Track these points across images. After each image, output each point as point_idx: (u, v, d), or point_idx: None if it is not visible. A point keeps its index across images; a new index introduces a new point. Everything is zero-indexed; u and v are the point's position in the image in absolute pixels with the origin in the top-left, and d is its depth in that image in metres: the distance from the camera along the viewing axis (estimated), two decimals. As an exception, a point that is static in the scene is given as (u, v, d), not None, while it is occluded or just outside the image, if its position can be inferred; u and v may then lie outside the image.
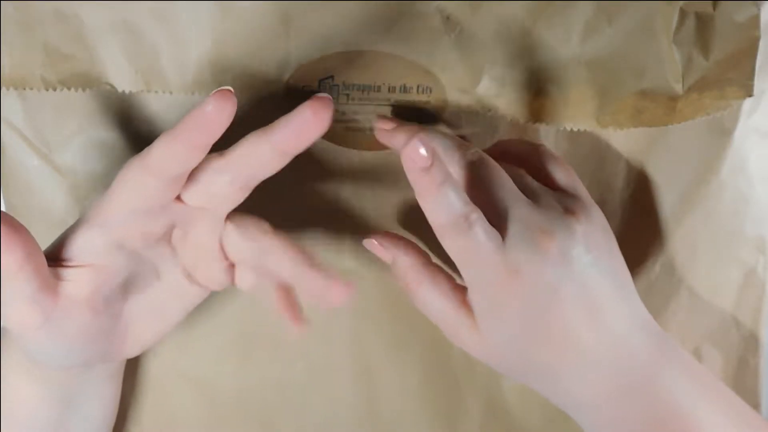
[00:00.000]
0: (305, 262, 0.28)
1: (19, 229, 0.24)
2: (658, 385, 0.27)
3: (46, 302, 0.26)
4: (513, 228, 0.27)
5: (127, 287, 0.28)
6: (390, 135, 0.31)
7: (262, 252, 0.29)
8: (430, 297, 0.29)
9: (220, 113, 0.24)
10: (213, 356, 0.35)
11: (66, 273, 0.26)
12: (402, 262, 0.30)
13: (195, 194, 0.27)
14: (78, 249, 0.27)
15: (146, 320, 0.29)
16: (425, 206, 0.27)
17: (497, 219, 0.27)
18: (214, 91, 0.24)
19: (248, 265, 0.30)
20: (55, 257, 0.27)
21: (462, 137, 0.33)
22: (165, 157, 0.25)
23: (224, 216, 0.29)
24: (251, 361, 0.35)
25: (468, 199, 0.27)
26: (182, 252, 0.29)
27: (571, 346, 0.27)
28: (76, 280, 0.26)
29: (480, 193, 0.28)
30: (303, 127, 0.26)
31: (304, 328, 0.29)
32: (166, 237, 0.29)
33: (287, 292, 0.30)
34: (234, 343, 0.35)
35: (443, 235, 0.27)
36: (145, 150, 0.25)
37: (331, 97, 0.26)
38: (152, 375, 0.35)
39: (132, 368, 0.35)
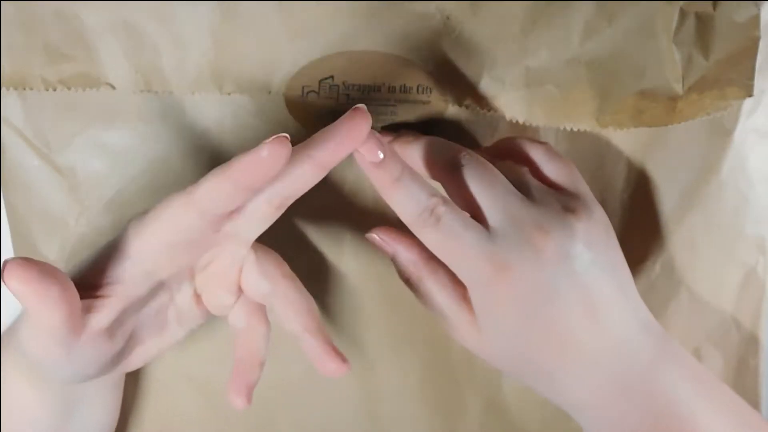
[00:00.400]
0: (309, 323, 0.29)
1: (67, 288, 0.24)
2: (657, 384, 0.27)
3: (73, 339, 0.26)
4: (502, 224, 0.27)
5: (141, 309, 0.28)
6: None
7: (273, 294, 0.29)
8: (431, 292, 0.29)
9: (275, 160, 0.24)
10: (214, 357, 0.35)
11: (96, 304, 0.26)
12: (403, 256, 0.30)
13: (231, 217, 0.27)
14: (109, 279, 0.27)
15: (152, 338, 0.29)
16: (390, 203, 0.27)
17: (488, 217, 0.27)
18: (271, 138, 0.24)
19: (255, 300, 0.30)
20: (84, 286, 0.26)
21: (461, 137, 0.33)
22: (212, 195, 0.25)
23: (252, 240, 0.29)
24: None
25: (435, 192, 0.27)
26: (199, 276, 0.29)
27: (569, 346, 0.27)
28: (103, 312, 0.26)
29: (471, 192, 0.28)
30: (344, 141, 0.25)
31: (245, 403, 0.29)
32: (191, 264, 0.29)
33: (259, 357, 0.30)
34: (234, 343, 0.35)
35: (416, 232, 0.27)
36: (191, 186, 0.25)
37: (365, 108, 0.25)
38: (153, 376, 0.35)
39: (133, 370, 0.35)
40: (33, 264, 0.23)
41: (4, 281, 0.23)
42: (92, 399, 0.31)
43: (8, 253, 0.35)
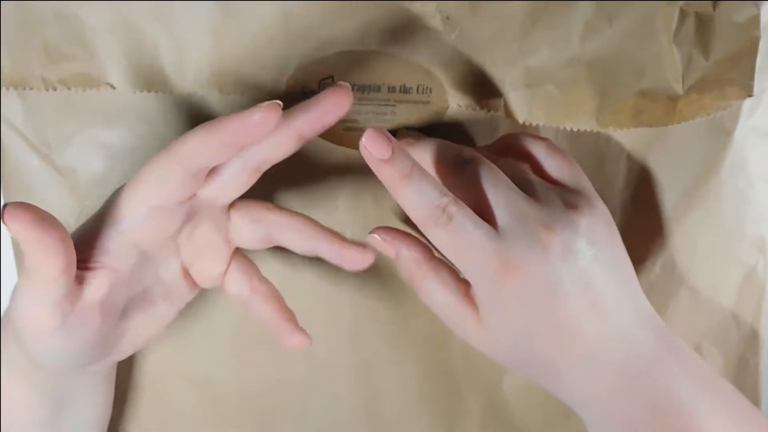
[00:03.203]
0: (318, 231, 0.29)
1: (65, 237, 0.24)
2: (660, 380, 0.27)
3: (67, 306, 0.26)
4: (509, 222, 0.27)
5: (129, 287, 0.28)
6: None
7: (273, 231, 0.29)
8: (434, 290, 0.29)
9: (263, 124, 0.24)
10: (213, 356, 0.35)
11: (87, 276, 0.26)
12: (405, 256, 0.30)
13: (208, 182, 0.28)
14: (99, 251, 0.27)
15: (141, 320, 0.29)
16: (399, 201, 0.27)
17: (494, 216, 0.27)
18: (265, 103, 0.24)
19: (256, 247, 0.30)
20: (78, 258, 0.26)
21: (461, 137, 0.33)
22: (198, 148, 0.25)
23: (228, 204, 0.29)
24: (251, 361, 0.35)
25: (445, 191, 0.27)
26: (185, 248, 0.29)
27: (573, 341, 0.27)
28: (95, 284, 0.26)
29: (475, 191, 0.28)
30: (322, 113, 0.26)
31: (306, 337, 0.30)
32: (174, 235, 0.29)
33: (281, 303, 0.30)
34: (234, 343, 0.35)
35: (424, 230, 0.27)
36: (174, 142, 0.26)
37: (349, 85, 0.26)
38: (152, 375, 0.35)
39: (132, 368, 0.35)
40: (33, 207, 0.23)
41: (4, 222, 0.23)
42: (84, 392, 0.31)
43: (8, 252, 0.35)
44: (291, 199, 0.33)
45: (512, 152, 0.31)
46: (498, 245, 0.27)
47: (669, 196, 0.34)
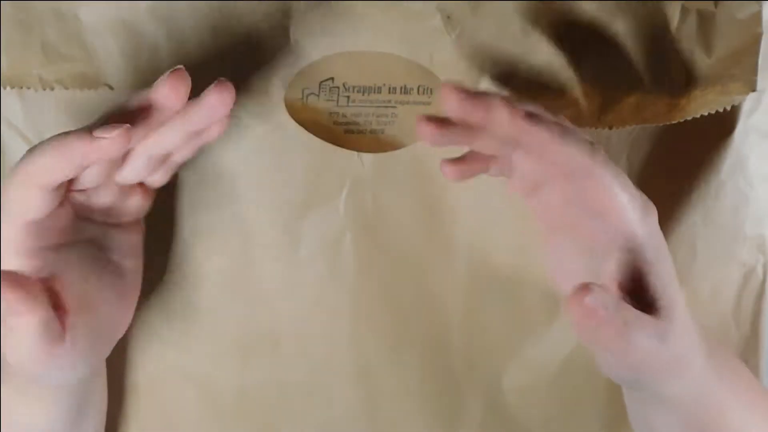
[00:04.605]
0: (179, 115, 0.27)
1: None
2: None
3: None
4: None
5: (98, 292, 0.28)
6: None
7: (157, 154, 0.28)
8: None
9: (110, 146, 0.24)
10: (213, 356, 0.35)
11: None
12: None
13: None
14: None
15: (116, 310, 0.30)
16: (563, 151, 0.26)
17: None
18: (109, 126, 0.24)
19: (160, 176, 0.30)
20: None
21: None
22: (47, 168, 0.24)
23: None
24: (251, 361, 0.35)
25: None
26: (111, 233, 0.29)
27: None
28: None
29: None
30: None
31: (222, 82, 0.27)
32: (86, 231, 0.28)
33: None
34: (234, 343, 0.35)
35: (590, 166, 0.26)
36: (26, 159, 0.25)
37: (183, 68, 0.25)
38: (152, 375, 0.35)
39: (132, 368, 0.35)
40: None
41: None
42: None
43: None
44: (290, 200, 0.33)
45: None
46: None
47: (669, 196, 0.34)
